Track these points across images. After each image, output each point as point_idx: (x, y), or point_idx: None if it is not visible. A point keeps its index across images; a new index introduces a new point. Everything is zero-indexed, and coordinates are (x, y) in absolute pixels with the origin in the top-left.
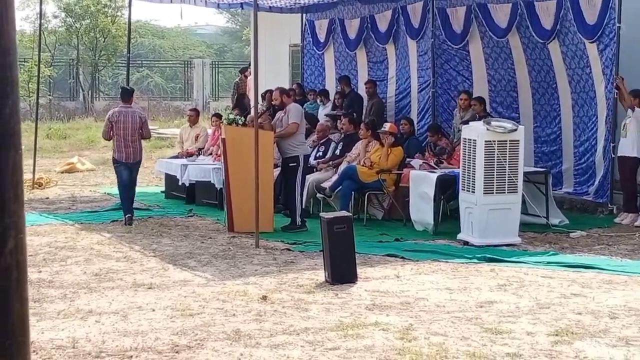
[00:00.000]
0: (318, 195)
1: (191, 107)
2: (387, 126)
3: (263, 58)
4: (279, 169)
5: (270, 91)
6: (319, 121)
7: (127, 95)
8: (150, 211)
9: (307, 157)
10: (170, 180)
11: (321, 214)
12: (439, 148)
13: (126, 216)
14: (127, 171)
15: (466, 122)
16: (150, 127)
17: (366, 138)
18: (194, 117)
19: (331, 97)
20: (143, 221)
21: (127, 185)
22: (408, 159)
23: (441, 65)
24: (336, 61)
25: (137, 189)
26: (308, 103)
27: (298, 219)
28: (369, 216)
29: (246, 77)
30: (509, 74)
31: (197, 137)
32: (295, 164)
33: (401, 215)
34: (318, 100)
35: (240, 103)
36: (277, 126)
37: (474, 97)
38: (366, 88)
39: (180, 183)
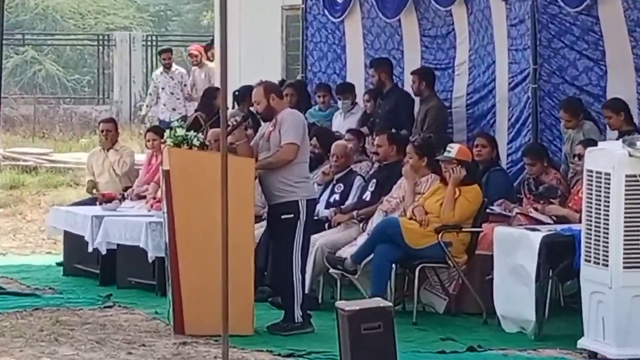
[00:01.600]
0: (333, 270)
1: (107, 115)
2: (453, 150)
3: (236, 29)
4: (264, 223)
5: (249, 88)
6: (335, 139)
7: None
8: (37, 298)
9: (312, 203)
10: (74, 244)
11: (338, 303)
12: (545, 187)
13: None
14: None
15: (587, 143)
16: (33, 150)
17: (417, 170)
18: (111, 133)
19: (358, 99)
20: (25, 316)
21: None
22: (490, 208)
23: (549, 43)
24: (366, 35)
25: (15, 260)
26: (315, 108)
27: (297, 312)
28: (422, 307)
29: (207, 59)
30: None
31: (117, 165)
32: (292, 214)
33: (478, 305)
34: (338, 103)
35: (206, 105)
36: (260, 149)
37: (607, 101)
38: (415, 82)
39: (90, 249)
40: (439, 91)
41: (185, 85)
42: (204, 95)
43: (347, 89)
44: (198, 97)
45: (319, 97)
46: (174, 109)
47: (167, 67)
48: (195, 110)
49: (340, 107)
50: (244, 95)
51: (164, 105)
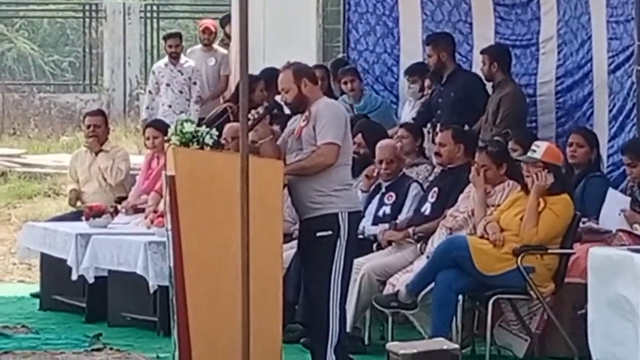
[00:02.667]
0: (380, 303)
1: (95, 106)
2: (539, 149)
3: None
4: (295, 244)
5: (275, 72)
6: (386, 136)
7: None
8: (7, 339)
9: (356, 216)
10: (53, 270)
11: (389, 345)
12: None
13: None
14: None
15: None
16: (1, 151)
17: (491, 177)
18: (100, 129)
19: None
20: None
21: None
22: (584, 221)
23: None
24: (425, 4)
25: None
26: (343, 98)
27: (330, 357)
28: (497, 350)
29: (228, 38)
30: None
31: (108, 174)
32: (330, 231)
33: (569, 348)
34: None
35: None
36: (289, 150)
37: None
38: (485, 64)
39: (75, 276)
40: (519, 75)
41: (195, 83)
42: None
43: (418, 71)
44: (211, 95)
45: (344, 83)
46: (181, 112)
47: (174, 58)
48: (226, 101)
49: (413, 93)
50: (268, 81)
51: (169, 107)
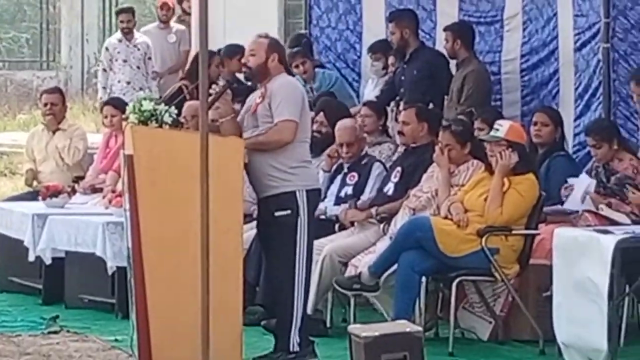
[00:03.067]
0: (342, 285)
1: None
2: (502, 128)
3: None
4: (255, 224)
5: (235, 48)
6: (349, 114)
7: None
8: None
9: (315, 194)
10: (9, 251)
11: (351, 327)
12: (617, 178)
13: None
14: None
15: None
16: None
17: (455, 156)
18: (57, 107)
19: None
20: None
21: None
22: (548, 206)
23: None
24: None
25: None
26: (322, 72)
27: (294, 339)
28: (460, 333)
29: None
30: None
31: (65, 153)
32: (288, 210)
33: (533, 330)
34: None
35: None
36: (245, 127)
37: None
38: (448, 40)
39: (32, 257)
40: (483, 53)
41: (149, 58)
42: (195, 61)
43: (381, 48)
44: (167, 70)
45: (295, 67)
46: (140, 89)
47: (127, 34)
48: (181, 79)
49: (376, 71)
50: (229, 56)
51: (127, 83)
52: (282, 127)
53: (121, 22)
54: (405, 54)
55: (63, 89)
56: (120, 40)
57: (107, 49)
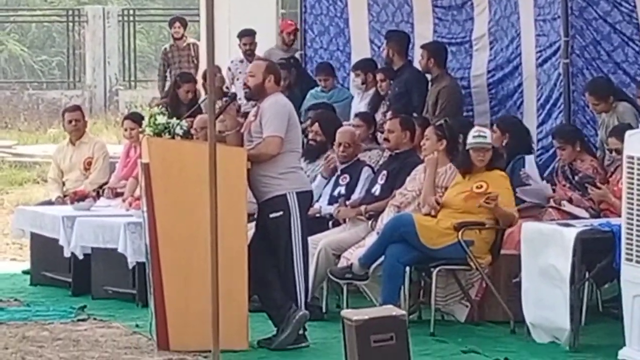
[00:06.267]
0: (336, 275)
1: (78, 102)
2: (488, 134)
3: (225, 0)
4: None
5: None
6: (340, 125)
7: None
8: (1, 311)
9: (305, 196)
10: (42, 249)
11: (344, 312)
12: (580, 177)
13: None
14: None
15: (621, 131)
16: None
17: (429, 147)
18: (80, 123)
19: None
20: None
21: None
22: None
23: (581, 12)
24: (371, 6)
25: None
26: (316, 89)
27: (291, 321)
28: (440, 315)
29: (180, 38)
30: None
31: (89, 163)
32: (281, 212)
33: (505, 312)
34: (354, 81)
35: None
36: (246, 138)
37: None
38: (423, 58)
39: (67, 253)
40: (454, 69)
41: None
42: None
43: (365, 66)
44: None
45: (319, 80)
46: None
47: (250, 55)
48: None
49: (356, 86)
50: (231, 71)
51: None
52: (268, 141)
53: (244, 44)
54: (394, 71)
55: (87, 107)
56: (242, 61)
57: (229, 68)
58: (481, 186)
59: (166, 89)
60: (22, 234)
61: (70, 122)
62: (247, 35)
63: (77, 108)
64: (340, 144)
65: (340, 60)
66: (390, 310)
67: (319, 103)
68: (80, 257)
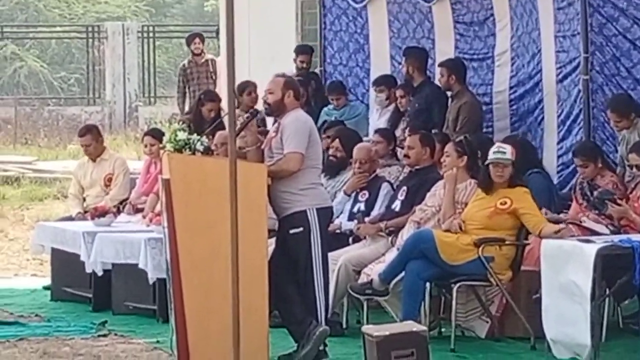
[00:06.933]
0: (356, 291)
1: (99, 117)
2: (508, 150)
3: (245, 17)
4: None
5: (248, 83)
6: (360, 140)
7: None
8: (22, 327)
9: (325, 212)
10: (63, 264)
11: (365, 327)
12: (599, 192)
13: None
14: None
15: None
16: (14, 158)
17: (449, 163)
18: (90, 147)
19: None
20: (9, 347)
21: None
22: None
23: (600, 29)
24: (392, 22)
25: None
26: (329, 107)
27: (311, 337)
28: (460, 331)
29: (199, 54)
30: None
31: (109, 179)
32: (301, 228)
33: (525, 328)
34: (374, 97)
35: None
36: (267, 154)
37: None
38: (443, 75)
39: (89, 269)
40: (476, 85)
41: None
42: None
43: (384, 82)
44: None
45: (332, 99)
46: None
47: (304, 69)
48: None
49: (379, 102)
50: (241, 91)
51: None
52: (289, 157)
53: (301, 62)
54: (414, 87)
55: (107, 122)
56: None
57: None
58: (505, 202)
59: (186, 104)
60: (42, 249)
61: (82, 146)
62: (304, 54)
63: (87, 131)
64: (356, 161)
65: (359, 77)
66: (410, 326)
67: (332, 121)
68: (100, 273)
